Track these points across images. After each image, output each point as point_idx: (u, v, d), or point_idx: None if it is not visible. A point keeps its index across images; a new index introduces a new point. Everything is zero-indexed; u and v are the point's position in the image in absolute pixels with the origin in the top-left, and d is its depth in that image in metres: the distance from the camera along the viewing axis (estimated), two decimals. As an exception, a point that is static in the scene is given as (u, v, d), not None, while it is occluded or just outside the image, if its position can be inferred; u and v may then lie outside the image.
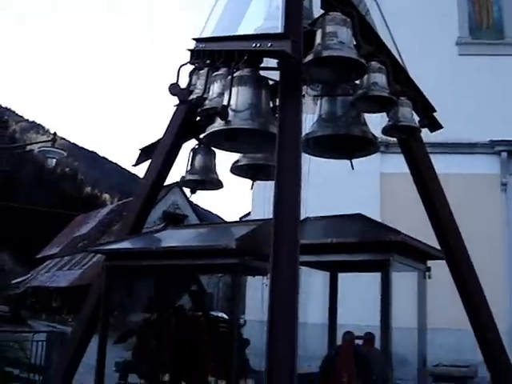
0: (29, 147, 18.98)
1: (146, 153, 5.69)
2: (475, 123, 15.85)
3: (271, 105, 4.31)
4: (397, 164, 16.01)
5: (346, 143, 5.01)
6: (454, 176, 12.50)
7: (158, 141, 5.64)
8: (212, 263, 4.44)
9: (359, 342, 4.31)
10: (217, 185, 5.39)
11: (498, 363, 5.33)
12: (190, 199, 36.61)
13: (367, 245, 3.81)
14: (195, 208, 36.75)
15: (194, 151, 5.45)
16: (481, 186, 15.24)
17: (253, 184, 5.55)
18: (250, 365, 4.59)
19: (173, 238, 4.95)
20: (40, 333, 11.88)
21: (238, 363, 4.24)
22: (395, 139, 5.45)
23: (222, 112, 3.88)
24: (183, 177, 5.51)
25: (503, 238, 15.40)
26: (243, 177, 5.42)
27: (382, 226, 4.05)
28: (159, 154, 5.43)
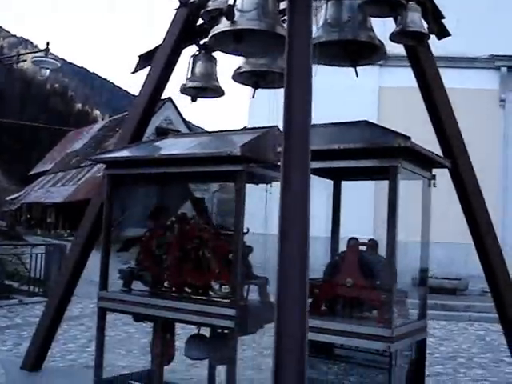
0: (21, 59, 18.49)
1: (144, 59, 5.51)
2: (476, 37, 15.51)
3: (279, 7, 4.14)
4: (395, 78, 15.82)
5: (351, 50, 4.86)
6: (452, 90, 12.29)
7: (158, 47, 5.45)
8: (215, 170, 4.39)
9: (363, 248, 4.34)
10: (218, 92, 5.26)
11: (496, 271, 5.42)
12: (183, 115, 36.26)
13: (375, 150, 3.74)
14: (188, 124, 36.42)
15: (195, 58, 5.27)
16: (480, 101, 15.09)
17: (254, 92, 5.42)
18: (252, 271, 4.62)
19: (175, 146, 4.86)
20: (38, 246, 12.01)
21: (242, 269, 4.28)
22: (394, 52, 5.33)
23: (228, 12, 3.71)
24: (183, 84, 5.35)
25: (499, 153, 15.41)
26: (245, 84, 5.28)
27: (389, 131, 3.97)
28: (159, 59, 5.27)
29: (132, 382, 5.19)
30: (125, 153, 5.01)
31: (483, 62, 16.32)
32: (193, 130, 32.61)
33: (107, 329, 8.76)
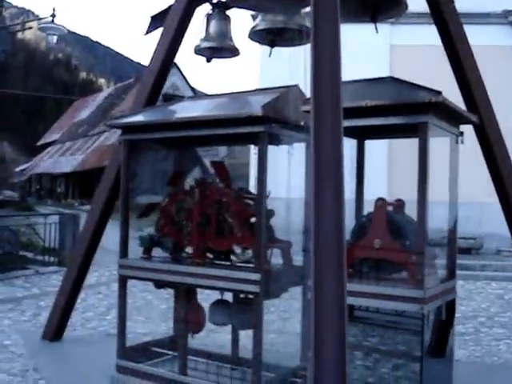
0: (27, 27, 18.28)
1: (157, 20, 5.33)
2: (489, -7, 15.16)
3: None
4: (407, 36, 15.45)
5: (371, 4, 4.66)
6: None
7: (170, 7, 5.27)
8: (236, 132, 4.25)
9: (389, 209, 4.22)
10: (233, 51, 5.10)
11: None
12: (189, 82, 35.93)
13: (404, 107, 3.58)
14: (194, 90, 36.13)
15: (209, 17, 5.11)
16: (493, 57, 14.72)
17: (271, 51, 5.24)
18: (275, 235, 4.52)
19: (192, 109, 4.71)
20: (52, 216, 11.97)
21: (265, 233, 4.17)
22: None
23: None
24: (197, 45, 5.19)
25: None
26: (262, 43, 5.12)
27: (417, 87, 3.81)
28: (171, 19, 5.09)
29: (155, 348, 5.16)
30: (141, 117, 4.87)
31: (496, 17, 15.91)
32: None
33: (125, 297, 8.80)
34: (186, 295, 4.59)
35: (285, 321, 4.76)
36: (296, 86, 4.52)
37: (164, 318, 7.26)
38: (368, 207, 4.52)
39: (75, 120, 47.29)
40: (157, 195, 5.16)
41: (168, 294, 7.93)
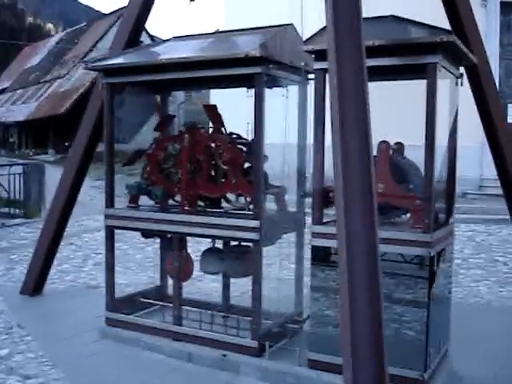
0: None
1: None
2: None
3: None
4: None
5: None
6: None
7: None
8: (231, 74, 4.04)
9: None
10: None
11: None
12: (147, 29, 34.75)
13: (413, 46, 3.43)
14: (153, 38, 35.00)
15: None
16: None
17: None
18: (268, 180, 4.39)
19: (180, 49, 4.44)
20: (15, 166, 11.49)
21: (258, 179, 4.04)
22: None
23: None
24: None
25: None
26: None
27: (421, 25, 3.66)
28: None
29: (144, 299, 5.04)
30: (123, 59, 4.60)
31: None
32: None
33: (99, 247, 8.61)
34: (178, 244, 4.44)
35: (276, 268, 4.67)
36: (291, 24, 4.31)
37: (142, 268, 7.13)
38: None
39: (26, 67, 45.51)
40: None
41: (143, 243, 7.81)
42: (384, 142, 3.88)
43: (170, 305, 4.67)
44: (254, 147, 4.01)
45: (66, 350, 4.46)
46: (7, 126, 39.75)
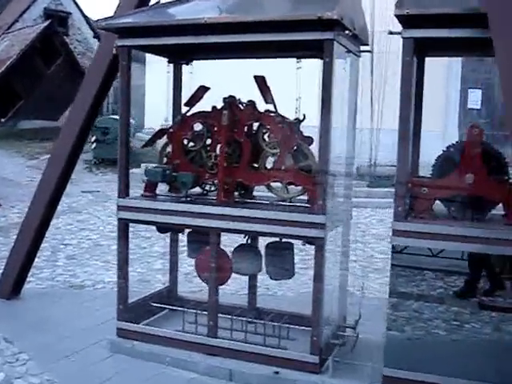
0: None
1: None
2: None
3: None
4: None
5: None
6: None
7: None
8: (291, 40, 3.34)
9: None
10: None
11: None
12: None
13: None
14: (79, 6, 33.16)
15: None
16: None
17: None
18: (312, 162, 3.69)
19: (217, 8, 3.69)
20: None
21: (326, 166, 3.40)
22: None
23: None
24: None
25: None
26: None
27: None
28: None
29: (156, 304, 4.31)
30: (146, 17, 3.79)
31: None
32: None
33: (65, 237, 7.69)
34: (215, 242, 3.71)
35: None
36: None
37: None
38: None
39: None
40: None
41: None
42: (475, 126, 3.33)
43: (189, 310, 3.99)
44: (322, 129, 3.35)
45: (76, 372, 3.70)
46: None
